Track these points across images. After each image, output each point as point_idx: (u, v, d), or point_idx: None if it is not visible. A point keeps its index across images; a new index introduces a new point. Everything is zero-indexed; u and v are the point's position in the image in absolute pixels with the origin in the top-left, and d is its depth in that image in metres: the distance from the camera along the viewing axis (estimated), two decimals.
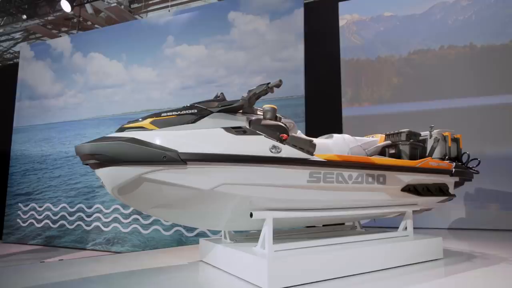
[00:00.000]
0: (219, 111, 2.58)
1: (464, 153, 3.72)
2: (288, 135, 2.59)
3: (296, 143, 2.58)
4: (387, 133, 3.71)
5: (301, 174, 2.58)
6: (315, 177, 2.63)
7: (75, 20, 11.60)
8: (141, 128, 2.46)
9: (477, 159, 3.73)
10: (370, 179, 2.91)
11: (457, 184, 3.66)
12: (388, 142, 3.55)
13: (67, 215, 7.72)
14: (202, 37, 6.84)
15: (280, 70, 6.20)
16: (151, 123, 2.46)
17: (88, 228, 7.43)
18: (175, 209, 2.56)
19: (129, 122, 2.58)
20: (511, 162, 5.28)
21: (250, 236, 3.23)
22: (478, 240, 4.38)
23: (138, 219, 6.92)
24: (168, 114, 2.53)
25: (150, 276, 2.75)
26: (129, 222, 7.00)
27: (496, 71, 5.54)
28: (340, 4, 6.71)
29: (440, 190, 3.44)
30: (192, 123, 2.48)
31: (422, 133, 3.77)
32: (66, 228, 7.69)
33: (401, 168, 3.09)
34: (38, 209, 8.12)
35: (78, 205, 7.62)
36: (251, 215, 2.53)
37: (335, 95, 6.48)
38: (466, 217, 5.47)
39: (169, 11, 7.49)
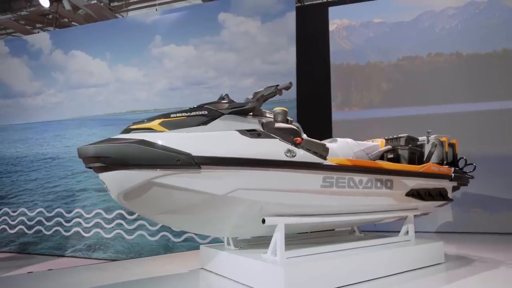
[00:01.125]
0: (230, 113, 2.49)
1: (461, 158, 3.79)
2: (302, 139, 2.54)
3: (310, 147, 2.53)
4: (387, 137, 3.73)
5: (314, 179, 2.53)
6: (328, 182, 2.58)
7: (50, 16, 11.13)
8: (149, 129, 2.34)
9: (472, 164, 3.81)
10: (378, 184, 2.90)
11: (454, 189, 3.73)
12: (389, 147, 3.57)
13: (44, 220, 7.33)
14: (191, 38, 6.70)
15: (271, 73, 6.16)
16: (160, 124, 2.34)
17: (67, 234, 7.08)
18: (183, 215, 2.44)
19: (135, 123, 2.45)
20: (495, 167, 5.45)
21: (253, 243, 3.14)
22: (470, 243, 4.48)
23: (122, 224, 6.66)
24: (178, 115, 2.41)
25: (151, 286, 2.62)
26: (112, 227, 6.72)
27: (481, 79, 5.73)
28: (330, 9, 6.75)
29: (440, 195, 3.49)
30: (203, 125, 2.38)
31: (420, 138, 3.82)
32: (42, 234, 7.30)
33: (407, 173, 3.10)
34: (12, 214, 7.67)
35: (57, 210, 7.25)
36: (263, 221, 2.45)
37: (325, 99, 6.51)
38: (453, 220, 5.60)
39: (156, 10, 7.31)
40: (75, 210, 7.06)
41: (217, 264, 2.91)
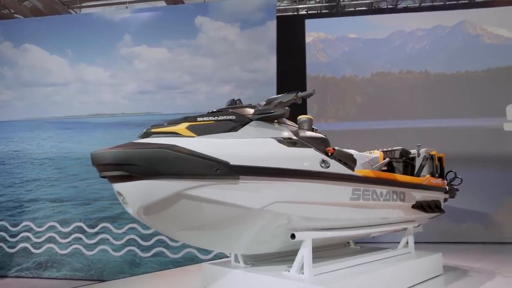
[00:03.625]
0: (257, 119, 2.32)
1: (450, 171, 3.95)
2: (334, 149, 2.43)
3: (341, 157, 2.43)
4: (383, 150, 3.78)
5: (345, 191, 2.43)
6: (356, 194, 2.50)
7: None
8: (175, 134, 2.08)
9: (459, 177, 3.99)
10: (394, 196, 2.89)
11: (445, 201, 3.87)
12: (388, 159, 3.61)
13: None
14: (165, 39, 6.35)
15: (251, 81, 6.03)
16: (188, 128, 2.09)
17: (11, 251, 6.21)
18: (208, 231, 2.20)
19: (155, 126, 2.17)
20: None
21: (259, 259, 2.94)
22: (456, 253, 4.63)
23: (80, 238, 6.00)
24: (205, 119, 2.18)
25: None
26: (69, 242, 6.03)
27: (446, 97, 6.13)
28: (307, 21, 6.84)
29: (436, 207, 3.59)
30: (233, 131, 2.17)
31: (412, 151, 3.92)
32: None
33: (416, 186, 3.14)
34: None
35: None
36: (292, 236, 2.29)
37: (302, 110, 6.51)
38: (423, 231, 5.85)
39: (126, 7, 6.83)
40: (23, 223, 6.24)
41: (228, 283, 2.67)
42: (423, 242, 5.65)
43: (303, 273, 2.34)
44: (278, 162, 2.08)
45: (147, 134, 2.12)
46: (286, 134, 2.31)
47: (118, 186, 1.95)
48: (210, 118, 2.19)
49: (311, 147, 2.31)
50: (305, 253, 2.34)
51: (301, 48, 6.78)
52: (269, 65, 6.02)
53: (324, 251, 3.24)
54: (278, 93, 6.02)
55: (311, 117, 2.67)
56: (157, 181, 1.87)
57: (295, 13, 7.60)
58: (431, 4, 7.61)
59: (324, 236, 2.45)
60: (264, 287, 2.40)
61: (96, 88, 6.40)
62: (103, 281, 5.33)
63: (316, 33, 6.77)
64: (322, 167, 2.28)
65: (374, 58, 6.51)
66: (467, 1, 7.38)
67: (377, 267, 2.62)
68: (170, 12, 6.53)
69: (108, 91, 6.33)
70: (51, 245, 6.09)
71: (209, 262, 2.96)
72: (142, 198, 1.91)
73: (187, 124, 2.10)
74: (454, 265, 3.79)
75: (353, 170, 2.49)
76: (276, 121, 2.46)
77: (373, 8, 7.73)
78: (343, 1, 7.78)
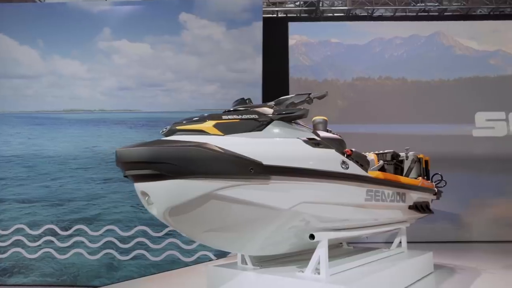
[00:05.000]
0: (278, 119, 2.30)
1: (437, 173, 4.16)
2: (352, 150, 2.47)
3: (358, 158, 2.48)
4: (376, 152, 3.89)
5: (361, 192, 2.48)
6: (369, 195, 2.56)
7: None
8: (201, 132, 2.02)
9: (445, 180, 4.21)
10: (398, 197, 2.99)
11: (431, 201, 4.06)
12: (382, 162, 3.72)
13: None
14: (147, 35, 6.14)
15: (236, 81, 5.99)
16: (215, 126, 2.03)
17: None
18: (231, 233, 2.15)
19: (178, 124, 2.09)
20: None
21: (264, 260, 2.91)
22: (439, 252, 4.84)
23: (52, 241, 5.63)
24: (229, 117, 2.13)
25: None
26: (39, 245, 5.64)
27: (421, 104, 6.45)
28: (290, 24, 6.91)
29: (426, 207, 3.75)
30: (257, 130, 2.14)
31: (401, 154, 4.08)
32: None
33: (414, 188, 3.26)
34: None
35: None
36: (311, 237, 2.30)
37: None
38: None
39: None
40: None
41: (239, 285, 2.62)
42: (391, 242, 5.90)
43: (318, 273, 2.35)
44: (305, 163, 2.08)
45: (171, 132, 2.03)
46: (309, 134, 2.31)
47: (144, 186, 1.84)
48: (235, 116, 2.14)
49: (332, 148, 2.33)
50: (321, 253, 2.36)
51: (284, 50, 6.83)
52: (255, 66, 6.01)
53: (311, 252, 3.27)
54: (263, 94, 6.06)
55: (326, 118, 2.70)
56: (189, 181, 1.80)
57: (274, 15, 7.65)
58: (404, 14, 7.99)
59: (338, 236, 2.48)
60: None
61: (71, 82, 6.06)
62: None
63: (299, 36, 6.86)
64: (342, 168, 2.31)
65: (355, 63, 6.71)
66: (437, 14, 7.84)
67: (385, 266, 2.70)
68: (153, 6, 6.31)
69: (85, 86, 6.02)
70: (18, 249, 5.67)
71: (214, 264, 2.89)
72: (172, 199, 1.83)
73: (213, 122, 2.04)
74: (440, 264, 3.98)
75: (366, 171, 2.55)
76: (293, 121, 2.46)
77: (351, 14, 7.97)
78: (322, 6, 7.96)
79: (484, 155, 6.17)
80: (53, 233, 5.69)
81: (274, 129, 2.19)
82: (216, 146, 1.83)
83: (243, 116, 2.16)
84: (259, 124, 2.16)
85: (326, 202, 2.27)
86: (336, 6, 8.14)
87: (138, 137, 5.93)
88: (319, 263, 2.32)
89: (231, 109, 2.39)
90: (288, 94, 6.91)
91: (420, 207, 3.54)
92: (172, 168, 1.76)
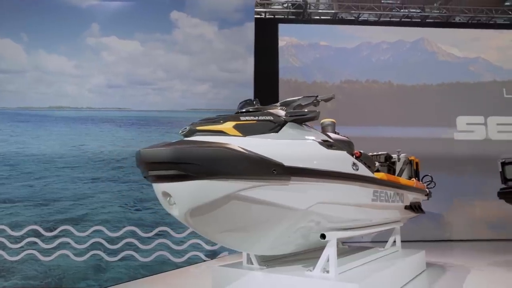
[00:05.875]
0: (291, 121, 2.34)
1: (427, 175, 4.32)
2: (360, 152, 2.54)
3: (366, 160, 2.55)
4: (370, 154, 4.01)
5: (368, 193, 2.55)
6: (375, 196, 2.64)
7: None
8: (221, 132, 2.03)
9: (434, 182, 4.38)
10: (397, 198, 3.09)
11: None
12: (377, 163, 3.83)
13: None
14: (137, 32, 6.03)
15: (228, 81, 5.99)
16: (235, 128, 2.04)
17: None
18: (247, 233, 2.17)
19: (197, 124, 2.09)
20: None
21: (268, 260, 2.94)
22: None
23: (35, 242, 5.43)
24: (247, 118, 2.15)
25: None
26: (21, 247, 5.42)
27: (407, 107, 6.67)
28: (280, 25, 6.97)
29: (419, 207, 3.90)
30: (274, 132, 2.17)
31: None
32: None
33: (411, 188, 3.38)
34: None
35: None
36: (323, 236, 2.35)
37: None
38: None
39: None
40: None
41: (247, 285, 2.64)
42: (382, 241, 6.10)
43: (327, 272, 2.40)
44: (322, 164, 2.13)
45: (191, 132, 2.03)
46: (322, 136, 2.36)
47: (168, 186, 1.83)
48: (252, 117, 2.16)
49: (343, 150, 2.39)
50: (330, 253, 2.41)
51: (273, 51, 6.89)
52: (247, 66, 6.04)
53: (313, 251, 3.33)
54: (255, 95, 6.09)
55: (334, 120, 2.76)
56: (214, 181, 1.80)
57: (262, 15, 7.69)
58: (388, 19, 8.24)
59: (345, 235, 2.54)
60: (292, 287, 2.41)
61: (58, 79, 5.87)
62: None
63: (289, 38, 6.94)
64: (353, 169, 2.37)
65: (343, 66, 6.85)
66: (419, 20, 8.12)
67: (388, 264, 2.78)
68: (143, 3, 6.21)
69: (72, 83, 5.85)
70: None
71: (219, 264, 2.89)
72: (195, 199, 1.83)
73: (233, 123, 2.05)
74: (429, 262, 4.13)
75: (373, 172, 2.63)
76: (304, 123, 2.50)
77: (337, 18, 8.12)
78: (309, 8, 8.08)
79: (465, 157, 6.46)
80: (36, 234, 5.49)
81: (289, 130, 2.23)
82: (241, 147, 1.84)
83: (260, 118, 2.18)
84: (275, 125, 2.19)
85: (339, 203, 2.33)
86: (323, 9, 8.30)
87: (128, 136, 5.83)
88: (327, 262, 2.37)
89: (243, 110, 2.40)
90: (277, 95, 7.01)
91: (414, 207, 3.68)
92: (198, 169, 1.76)
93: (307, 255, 3.11)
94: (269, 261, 2.84)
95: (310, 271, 2.46)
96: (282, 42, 6.89)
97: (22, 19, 6.02)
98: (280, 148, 2.02)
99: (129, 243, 5.49)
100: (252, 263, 2.73)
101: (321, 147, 2.22)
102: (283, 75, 6.77)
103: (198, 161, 1.76)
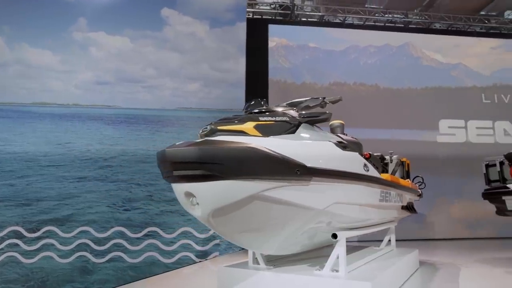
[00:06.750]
0: (306, 122, 2.37)
1: (418, 176, 4.45)
2: (369, 154, 2.59)
3: (374, 161, 2.61)
4: None
5: (376, 193, 2.61)
6: (382, 196, 2.70)
7: None
8: (242, 132, 2.03)
9: (424, 183, 4.52)
10: (398, 198, 3.18)
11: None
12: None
13: None
14: (127, 28, 5.89)
15: (220, 80, 5.96)
16: (255, 128, 2.05)
17: None
18: (263, 233, 2.17)
19: (217, 124, 2.08)
20: None
21: (277, 259, 2.95)
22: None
23: (17, 244, 5.20)
24: (266, 119, 2.16)
25: None
26: (1, 249, 5.18)
27: (392, 110, 6.85)
28: (270, 26, 6.99)
29: (412, 207, 4.02)
30: (291, 133, 2.19)
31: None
32: None
33: (408, 189, 3.49)
34: None
35: None
36: (334, 236, 2.39)
37: None
38: None
39: None
40: None
41: (256, 285, 2.64)
42: (371, 241, 6.25)
43: (337, 271, 2.44)
44: (339, 165, 2.16)
45: (212, 132, 2.01)
46: (336, 137, 2.40)
47: (191, 186, 1.81)
48: (269, 118, 2.17)
49: (356, 152, 2.44)
50: (340, 252, 2.45)
51: (264, 52, 6.90)
52: (238, 66, 6.03)
53: (314, 251, 3.37)
54: (247, 94, 6.08)
55: (343, 122, 2.80)
56: (239, 182, 1.80)
57: (250, 15, 7.69)
58: (373, 24, 8.44)
59: (353, 235, 2.59)
60: (302, 287, 2.43)
61: (42, 74, 5.65)
62: None
63: (278, 38, 6.97)
64: (364, 170, 2.42)
65: (332, 68, 6.96)
66: (402, 25, 8.37)
67: (390, 263, 2.85)
68: None
69: (58, 78, 5.64)
70: None
71: (225, 265, 2.87)
72: (220, 200, 1.81)
73: (253, 123, 2.05)
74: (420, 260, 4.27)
75: (380, 173, 2.69)
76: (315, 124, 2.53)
77: (324, 21, 8.24)
78: (297, 10, 8.15)
79: (447, 159, 6.71)
80: (18, 235, 5.25)
81: (304, 131, 2.25)
82: (266, 148, 1.84)
83: (277, 118, 2.19)
84: (291, 126, 2.21)
85: (352, 203, 2.37)
86: (310, 12, 8.40)
87: (116, 134, 5.68)
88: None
89: (256, 110, 2.39)
90: (267, 96, 7.00)
91: (409, 207, 3.79)
92: (225, 169, 1.75)
93: (309, 255, 3.15)
94: (274, 261, 2.85)
95: (319, 270, 2.49)
96: (272, 42, 6.92)
97: (3, 11, 5.75)
98: (301, 149, 2.04)
99: (117, 244, 5.36)
100: (258, 263, 2.73)
101: (337, 148, 2.25)
102: (272, 75, 6.80)
103: (225, 161, 1.75)
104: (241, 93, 5.94)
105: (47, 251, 5.24)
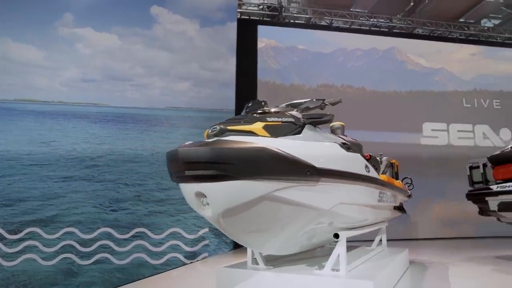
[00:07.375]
0: (309, 123, 2.39)
1: (407, 177, 4.56)
2: (370, 155, 2.64)
3: (374, 162, 2.65)
4: None
5: (375, 194, 2.66)
6: (380, 197, 2.75)
7: None
8: (251, 133, 2.03)
9: (413, 184, 4.64)
10: (392, 198, 3.25)
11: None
12: None
13: None
14: (115, 25, 5.78)
15: (210, 80, 5.92)
16: (264, 128, 2.05)
17: None
18: (269, 233, 2.18)
19: (226, 124, 2.07)
20: None
21: (276, 259, 2.95)
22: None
23: None
24: (273, 120, 2.16)
25: None
26: None
27: (378, 112, 7.00)
28: (259, 27, 7.01)
29: (402, 208, 4.12)
30: (298, 133, 2.21)
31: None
32: None
33: (401, 190, 3.57)
34: None
35: None
36: (336, 236, 2.42)
37: None
38: None
39: None
40: None
41: (256, 285, 2.64)
42: (359, 240, 6.37)
43: (337, 270, 2.47)
44: (344, 166, 2.19)
45: (222, 131, 2.00)
46: (339, 139, 2.43)
47: (203, 187, 1.79)
48: (276, 119, 2.17)
49: (358, 153, 2.48)
50: (341, 251, 2.48)
51: (253, 52, 6.91)
52: (229, 66, 6.01)
53: (309, 252, 3.40)
54: (237, 95, 6.07)
55: (343, 123, 2.84)
56: (251, 182, 1.79)
57: (238, 15, 7.69)
58: (358, 27, 8.60)
59: (353, 234, 2.63)
60: (303, 287, 2.45)
61: (25, 70, 5.45)
62: None
63: (267, 39, 7.00)
64: (366, 171, 2.47)
65: (320, 70, 7.04)
66: (386, 30, 8.57)
67: (386, 262, 2.91)
68: None
69: (42, 75, 5.46)
70: None
71: (224, 265, 2.86)
72: (231, 200, 1.80)
73: (262, 124, 2.04)
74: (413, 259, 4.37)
75: (378, 174, 2.75)
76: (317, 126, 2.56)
77: (311, 23, 8.34)
78: (285, 12, 8.21)
79: (430, 161, 6.91)
80: None
81: (309, 132, 2.26)
82: (277, 149, 1.85)
83: (283, 119, 2.19)
84: (296, 127, 2.22)
85: (354, 203, 2.41)
86: (297, 14, 8.47)
87: (103, 133, 5.55)
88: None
89: (259, 111, 2.39)
90: (256, 96, 7.01)
91: (400, 208, 3.88)
92: (237, 169, 1.75)
93: (306, 255, 3.17)
94: (273, 261, 2.86)
95: (319, 269, 2.51)
96: (261, 43, 6.94)
97: None
98: (309, 150, 2.05)
99: (104, 245, 5.24)
100: (257, 263, 2.73)
101: (342, 149, 2.28)
102: (261, 76, 6.81)
103: (239, 162, 1.74)
104: (231, 93, 5.92)
105: (29, 253, 5.06)
